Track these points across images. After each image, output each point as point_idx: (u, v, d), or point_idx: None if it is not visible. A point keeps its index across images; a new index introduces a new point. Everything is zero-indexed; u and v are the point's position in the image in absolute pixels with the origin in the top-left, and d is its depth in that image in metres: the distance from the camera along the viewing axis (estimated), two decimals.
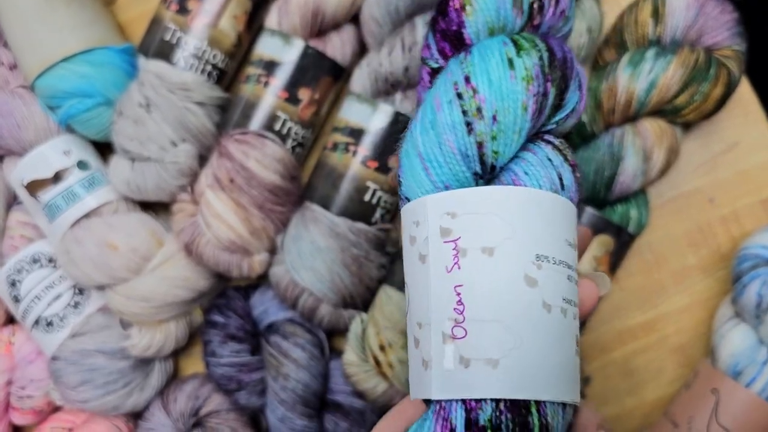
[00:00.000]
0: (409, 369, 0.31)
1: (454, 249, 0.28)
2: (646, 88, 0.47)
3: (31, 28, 0.49)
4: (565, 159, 0.30)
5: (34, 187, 0.52)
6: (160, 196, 0.52)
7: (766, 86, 0.55)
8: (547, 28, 0.31)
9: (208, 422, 0.51)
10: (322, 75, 0.51)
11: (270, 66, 0.51)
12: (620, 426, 0.55)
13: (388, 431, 0.32)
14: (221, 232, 0.49)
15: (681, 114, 0.48)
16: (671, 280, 0.55)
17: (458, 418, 0.27)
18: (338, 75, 0.52)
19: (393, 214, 0.54)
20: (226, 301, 0.53)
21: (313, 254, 0.49)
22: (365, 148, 0.49)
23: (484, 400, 0.27)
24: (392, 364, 0.48)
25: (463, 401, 0.27)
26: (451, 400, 0.27)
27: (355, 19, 0.52)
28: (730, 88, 0.47)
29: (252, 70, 0.51)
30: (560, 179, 0.29)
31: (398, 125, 0.49)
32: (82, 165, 0.52)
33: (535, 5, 0.30)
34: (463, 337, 0.27)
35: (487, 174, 0.29)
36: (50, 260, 0.53)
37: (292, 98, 0.51)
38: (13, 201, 0.55)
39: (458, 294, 0.27)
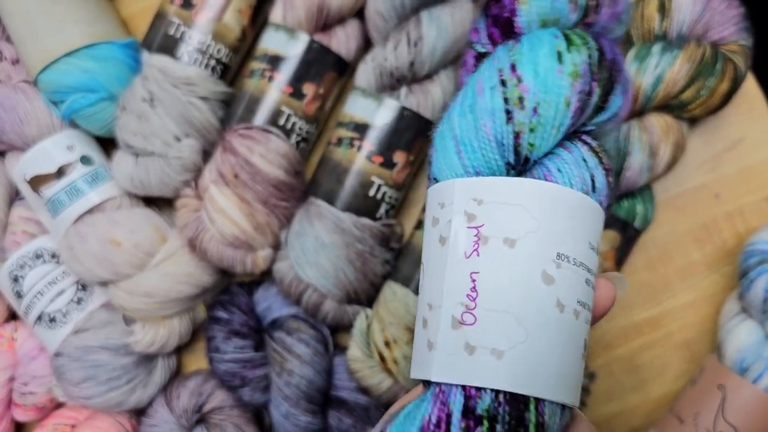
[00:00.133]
0: (413, 349, 0.30)
1: (475, 235, 0.28)
2: (652, 82, 0.46)
3: (34, 23, 0.49)
4: (600, 162, 0.30)
5: (36, 182, 0.51)
6: (163, 192, 0.51)
7: None
8: (601, 28, 0.31)
9: (211, 419, 0.51)
10: (327, 70, 0.51)
11: (274, 61, 0.50)
12: (625, 422, 0.54)
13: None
14: (225, 227, 0.49)
15: (687, 109, 0.47)
16: (676, 276, 0.55)
17: (456, 403, 0.27)
18: (343, 70, 0.52)
19: (398, 210, 0.54)
20: (229, 297, 0.53)
21: (318, 250, 0.49)
22: (370, 143, 0.49)
23: (484, 389, 0.27)
24: (397, 360, 0.48)
25: (463, 387, 0.27)
26: (451, 385, 0.27)
27: (360, 13, 0.51)
28: (736, 83, 0.47)
29: (256, 65, 0.51)
30: (592, 181, 0.29)
31: (403, 120, 0.49)
32: (85, 160, 0.52)
33: (591, 2, 0.30)
34: (472, 324, 0.27)
35: (520, 165, 0.29)
36: (53, 256, 0.53)
37: (296, 93, 0.50)
38: (15, 196, 0.55)
39: (473, 281, 0.27)
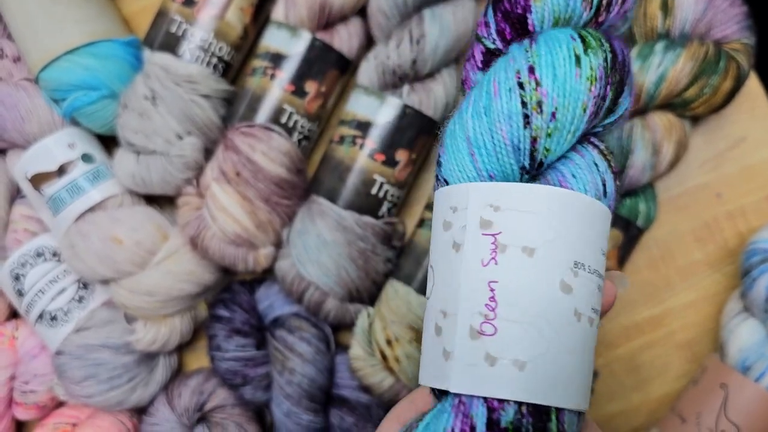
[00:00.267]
0: (423, 355, 0.30)
1: (492, 243, 0.27)
2: (655, 81, 0.46)
3: (36, 21, 0.49)
4: (609, 165, 0.30)
5: (38, 180, 0.51)
6: (165, 190, 0.51)
7: None
8: (608, 26, 0.31)
9: (212, 417, 0.51)
10: (329, 68, 0.51)
11: (276, 59, 0.50)
12: (627, 422, 0.54)
13: (398, 422, 0.32)
14: (227, 225, 0.49)
15: (690, 107, 0.47)
16: (678, 275, 0.55)
17: (479, 416, 0.26)
18: (345, 68, 0.52)
19: (400, 208, 0.54)
20: (231, 295, 0.53)
21: (320, 248, 0.48)
22: (372, 141, 0.49)
23: (507, 401, 0.26)
24: (399, 358, 0.48)
25: (485, 399, 0.26)
26: (471, 396, 0.27)
27: (362, 11, 0.51)
28: (739, 82, 0.47)
29: (258, 63, 0.51)
30: (604, 186, 0.29)
31: (405, 118, 0.49)
32: (86, 158, 0.52)
33: (604, 1, 0.29)
34: (492, 334, 0.26)
35: (534, 170, 0.28)
36: (54, 254, 0.53)
37: (298, 91, 0.50)
38: (16, 194, 0.55)
39: (492, 290, 0.27)
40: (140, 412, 0.54)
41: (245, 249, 0.50)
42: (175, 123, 0.49)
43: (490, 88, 0.28)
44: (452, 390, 0.27)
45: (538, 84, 0.27)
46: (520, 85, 0.27)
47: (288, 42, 0.50)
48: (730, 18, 0.47)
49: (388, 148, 0.49)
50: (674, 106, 0.48)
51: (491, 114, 0.28)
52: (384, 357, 0.48)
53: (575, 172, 0.28)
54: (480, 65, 0.31)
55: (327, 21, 0.50)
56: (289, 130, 0.51)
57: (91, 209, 0.51)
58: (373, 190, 0.49)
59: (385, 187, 0.50)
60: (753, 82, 0.54)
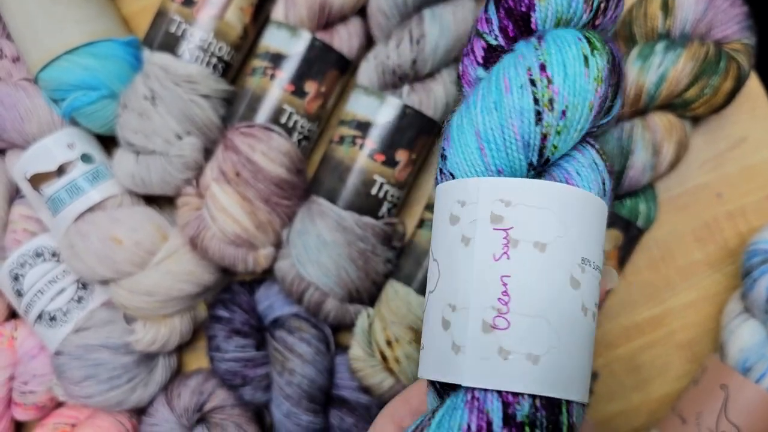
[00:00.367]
0: (425, 349, 0.30)
1: (504, 238, 0.27)
2: (655, 81, 0.46)
3: (35, 20, 0.49)
4: (605, 164, 0.30)
5: (37, 180, 0.51)
6: (164, 190, 0.51)
7: None
8: (601, 29, 0.31)
9: (212, 418, 0.51)
10: (329, 68, 0.51)
11: (276, 58, 0.50)
12: (627, 422, 0.54)
13: (392, 420, 0.32)
14: (227, 225, 0.49)
15: (690, 108, 0.47)
16: (678, 275, 0.55)
17: (495, 410, 0.26)
18: (345, 68, 0.52)
19: (400, 209, 0.54)
20: (231, 295, 0.53)
21: (319, 248, 0.48)
22: (372, 141, 0.49)
23: (522, 395, 0.26)
24: (399, 359, 0.48)
25: (499, 393, 0.26)
26: (485, 391, 0.27)
27: (362, 11, 0.51)
28: (739, 82, 0.47)
29: (258, 63, 0.51)
30: (604, 184, 0.30)
31: (405, 118, 0.49)
32: (86, 158, 0.52)
33: (602, 5, 0.30)
34: (506, 328, 0.27)
35: (540, 166, 0.29)
36: (53, 254, 0.53)
37: (298, 91, 0.50)
38: (15, 194, 0.55)
39: (504, 284, 0.27)
40: (140, 412, 0.54)
41: (245, 249, 0.50)
42: (175, 123, 0.49)
43: (501, 83, 0.28)
44: (465, 384, 0.27)
45: (549, 81, 0.27)
46: (532, 82, 0.28)
47: (288, 42, 0.50)
48: (731, 18, 0.47)
49: (388, 149, 0.49)
50: (675, 106, 0.48)
51: (502, 109, 0.28)
52: (384, 358, 0.48)
53: (579, 170, 0.29)
54: (480, 61, 0.31)
55: (327, 21, 0.50)
56: (289, 130, 0.51)
57: (91, 209, 0.51)
58: (373, 191, 0.49)
59: (385, 187, 0.50)
60: (753, 83, 0.54)
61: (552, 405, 0.27)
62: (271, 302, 0.53)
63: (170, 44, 0.50)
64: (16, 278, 0.52)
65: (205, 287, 0.52)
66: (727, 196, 0.55)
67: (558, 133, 0.28)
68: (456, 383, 0.27)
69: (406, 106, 0.49)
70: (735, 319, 0.49)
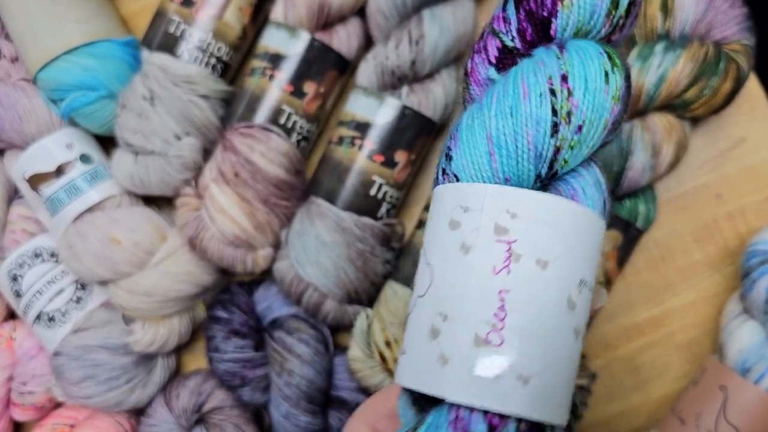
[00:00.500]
0: (407, 354, 0.28)
1: (507, 251, 0.26)
2: (655, 82, 0.46)
3: (34, 20, 0.49)
4: (606, 183, 0.29)
5: (36, 180, 0.51)
6: (163, 190, 0.51)
7: None
8: (614, 45, 0.30)
9: (211, 418, 0.51)
10: (328, 68, 0.51)
11: (275, 59, 0.50)
12: (626, 423, 0.54)
13: (365, 423, 0.32)
14: (225, 226, 0.49)
15: (690, 108, 0.47)
16: (677, 276, 0.55)
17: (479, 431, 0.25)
18: (344, 68, 0.52)
19: (399, 209, 0.54)
20: (229, 296, 0.53)
21: (318, 249, 0.48)
22: (371, 141, 0.49)
23: (509, 417, 0.25)
24: (398, 360, 0.48)
25: (485, 414, 0.25)
26: (470, 411, 0.26)
27: (361, 11, 0.51)
28: (739, 83, 0.47)
29: (257, 63, 0.51)
30: (604, 204, 0.29)
31: (404, 119, 0.49)
32: (84, 158, 0.52)
33: (621, 21, 0.29)
34: (499, 345, 0.26)
35: (547, 179, 0.28)
36: (52, 255, 0.53)
37: (297, 92, 0.50)
38: (14, 195, 0.54)
39: (502, 299, 0.26)
40: (138, 413, 0.54)
41: (244, 250, 0.50)
42: (174, 123, 0.49)
43: (519, 89, 0.27)
44: (449, 399, 0.26)
45: (570, 94, 0.26)
46: (552, 92, 0.26)
47: (287, 42, 0.50)
48: (730, 19, 0.47)
49: (387, 149, 0.49)
50: (674, 107, 0.48)
51: (518, 116, 0.27)
52: (383, 358, 0.48)
53: (585, 187, 0.28)
54: (493, 60, 0.30)
55: (326, 21, 0.50)
56: (288, 131, 0.51)
57: (90, 210, 0.51)
58: (372, 191, 0.49)
59: (384, 188, 0.49)
60: (753, 84, 0.54)
61: (536, 428, 0.26)
62: (269, 303, 0.53)
63: (169, 44, 0.50)
64: (14, 279, 0.52)
65: (204, 288, 0.52)
66: (726, 197, 0.55)
67: (571, 147, 0.27)
68: (439, 396, 0.26)
69: (405, 107, 0.49)
70: (734, 320, 0.49)
